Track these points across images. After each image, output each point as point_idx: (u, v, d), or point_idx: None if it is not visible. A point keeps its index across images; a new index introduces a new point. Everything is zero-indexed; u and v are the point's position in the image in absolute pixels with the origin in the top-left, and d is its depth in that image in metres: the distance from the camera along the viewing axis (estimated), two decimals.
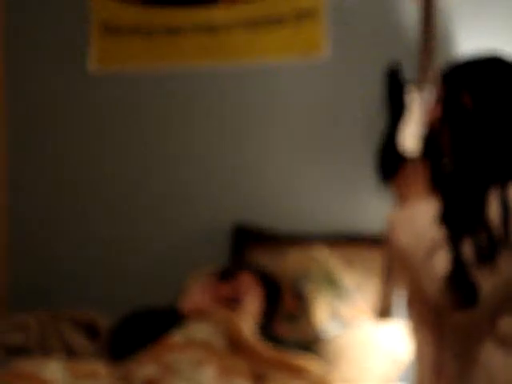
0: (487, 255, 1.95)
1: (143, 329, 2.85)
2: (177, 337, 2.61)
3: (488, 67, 2.11)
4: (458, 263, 1.97)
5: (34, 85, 3.71)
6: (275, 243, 3.29)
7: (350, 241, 3.25)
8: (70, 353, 2.90)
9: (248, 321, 2.72)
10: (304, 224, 3.39)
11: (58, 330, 2.97)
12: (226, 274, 3.04)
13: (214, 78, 3.57)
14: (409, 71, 3.35)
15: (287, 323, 3.06)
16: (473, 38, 3.38)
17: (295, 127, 3.48)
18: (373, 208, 3.20)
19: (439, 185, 2.06)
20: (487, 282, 1.95)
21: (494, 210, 1.94)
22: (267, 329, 2.87)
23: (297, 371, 2.47)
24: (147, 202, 3.60)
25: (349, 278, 3.12)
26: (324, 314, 3.07)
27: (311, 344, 2.92)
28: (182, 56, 3.60)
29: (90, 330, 3.07)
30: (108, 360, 2.75)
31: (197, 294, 3.00)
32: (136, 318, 2.98)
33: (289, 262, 3.20)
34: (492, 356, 1.99)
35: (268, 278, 3.00)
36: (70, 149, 3.68)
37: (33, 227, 3.67)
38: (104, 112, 3.66)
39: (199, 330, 2.67)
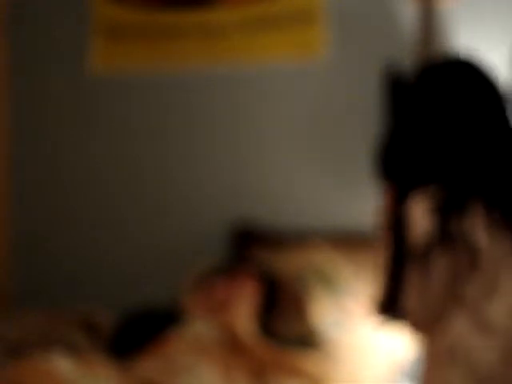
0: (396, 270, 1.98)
1: (145, 330, 2.85)
2: (177, 336, 2.61)
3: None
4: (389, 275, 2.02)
5: (34, 86, 3.71)
6: (275, 242, 3.29)
7: (350, 239, 3.25)
8: (70, 351, 2.90)
9: (245, 319, 2.72)
10: (304, 223, 3.39)
11: (58, 326, 2.97)
12: (224, 273, 3.04)
13: (214, 79, 3.57)
14: (408, 72, 3.36)
15: (286, 321, 3.06)
16: (472, 38, 3.38)
17: (294, 128, 3.48)
18: (372, 207, 3.20)
19: None
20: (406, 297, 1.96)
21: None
22: (266, 326, 2.87)
23: (295, 370, 2.47)
24: (147, 202, 3.60)
25: (349, 276, 3.12)
26: (323, 313, 3.07)
27: (310, 342, 2.92)
28: (181, 58, 3.60)
29: (89, 327, 3.07)
30: (108, 358, 2.75)
31: (196, 295, 2.99)
32: (138, 320, 2.98)
33: (288, 261, 3.21)
34: (432, 374, 1.96)
35: (267, 276, 3.00)
36: (70, 150, 3.68)
37: (33, 227, 3.67)
38: (104, 113, 3.66)
39: (198, 330, 2.67)
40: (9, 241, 3.69)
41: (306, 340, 2.98)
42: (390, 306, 1.98)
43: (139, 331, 2.83)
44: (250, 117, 3.57)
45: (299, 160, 3.47)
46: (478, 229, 1.87)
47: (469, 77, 2.07)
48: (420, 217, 1.91)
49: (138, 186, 3.62)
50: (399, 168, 2.02)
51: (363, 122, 3.42)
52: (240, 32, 3.55)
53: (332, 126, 3.45)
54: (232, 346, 2.60)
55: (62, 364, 2.38)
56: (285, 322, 3.07)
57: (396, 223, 1.99)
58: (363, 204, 3.34)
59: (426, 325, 1.95)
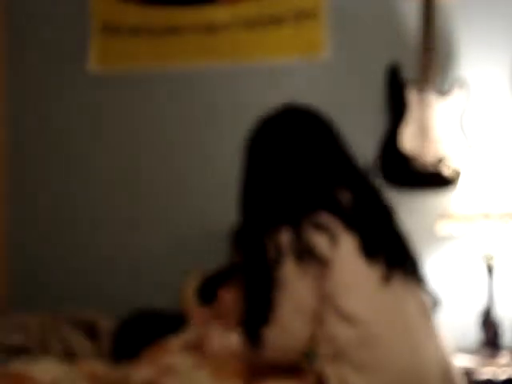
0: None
1: (145, 332, 2.82)
2: (173, 341, 2.60)
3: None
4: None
5: (33, 84, 3.69)
6: None
7: None
8: (70, 353, 2.89)
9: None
10: None
11: (58, 330, 2.96)
12: (228, 277, 2.98)
13: (214, 77, 3.56)
14: (409, 71, 3.34)
15: None
16: (473, 36, 3.36)
17: None
18: None
19: None
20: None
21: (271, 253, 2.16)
22: None
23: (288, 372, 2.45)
24: (147, 203, 3.59)
25: None
26: None
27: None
28: (182, 55, 3.59)
29: (90, 330, 3.06)
30: (107, 361, 2.74)
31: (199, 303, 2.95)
32: (138, 325, 2.94)
33: None
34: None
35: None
36: (69, 148, 3.67)
37: (33, 227, 3.66)
38: (104, 111, 3.65)
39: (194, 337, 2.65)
40: (9, 241, 3.68)
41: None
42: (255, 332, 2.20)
43: (138, 336, 2.79)
44: (250, 116, 3.54)
45: None
46: (320, 239, 2.12)
47: (300, 124, 2.38)
48: (271, 248, 2.15)
49: (137, 185, 3.61)
50: (250, 207, 2.29)
51: (365, 122, 3.40)
52: (242, 30, 3.54)
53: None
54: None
55: (46, 369, 2.37)
56: None
57: (255, 251, 2.22)
58: None
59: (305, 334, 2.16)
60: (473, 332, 3.19)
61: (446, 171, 3.31)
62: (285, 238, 2.13)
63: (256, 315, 2.18)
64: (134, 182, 3.61)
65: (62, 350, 2.89)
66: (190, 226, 3.54)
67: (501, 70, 3.37)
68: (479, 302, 3.20)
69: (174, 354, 2.48)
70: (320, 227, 2.12)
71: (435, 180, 3.33)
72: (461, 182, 3.22)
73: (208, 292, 2.95)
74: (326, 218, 2.14)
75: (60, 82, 3.67)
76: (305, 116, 2.42)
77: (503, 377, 2.88)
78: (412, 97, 3.33)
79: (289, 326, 2.12)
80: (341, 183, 2.26)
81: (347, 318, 2.08)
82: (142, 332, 2.82)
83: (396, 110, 3.36)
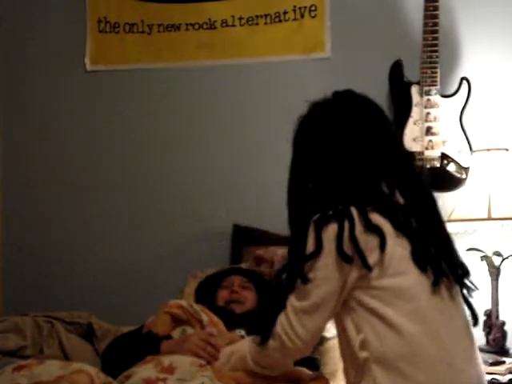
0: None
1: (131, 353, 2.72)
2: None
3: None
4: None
5: (31, 82, 3.69)
6: (273, 244, 3.24)
7: None
8: (66, 355, 2.87)
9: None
10: None
11: (54, 331, 2.94)
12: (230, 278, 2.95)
13: (212, 74, 3.55)
14: (412, 69, 3.32)
15: None
16: (475, 35, 3.35)
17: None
18: None
19: None
20: None
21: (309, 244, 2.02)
22: None
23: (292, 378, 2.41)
24: (147, 203, 3.58)
25: None
26: None
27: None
28: (181, 52, 3.58)
29: (87, 332, 3.03)
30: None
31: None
32: (123, 343, 2.84)
33: None
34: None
35: (257, 279, 2.92)
36: (68, 148, 3.66)
37: (30, 227, 3.65)
38: (101, 108, 3.63)
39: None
40: (5, 241, 3.66)
41: None
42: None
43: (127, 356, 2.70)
44: (251, 113, 3.54)
45: None
46: (369, 241, 1.97)
47: (354, 106, 2.20)
48: (312, 238, 2.01)
49: (138, 186, 3.60)
50: (298, 197, 2.16)
51: None
52: (243, 27, 3.54)
53: None
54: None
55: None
56: None
57: (295, 244, 2.08)
58: None
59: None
60: (476, 333, 3.15)
61: (450, 171, 3.29)
62: (331, 231, 1.97)
63: (277, 303, 2.08)
64: (133, 182, 3.60)
65: (58, 352, 2.86)
66: (192, 228, 3.53)
67: (503, 70, 3.36)
68: (483, 303, 3.17)
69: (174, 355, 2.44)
70: (371, 228, 1.96)
71: (438, 180, 3.30)
72: (465, 182, 3.20)
73: (206, 293, 2.92)
74: (378, 219, 1.98)
75: (57, 79, 3.66)
76: (369, 103, 2.25)
77: (507, 378, 2.85)
78: (415, 96, 3.31)
79: (300, 318, 2.04)
80: (396, 184, 2.07)
81: (392, 328, 1.97)
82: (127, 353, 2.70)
83: (399, 109, 3.34)
